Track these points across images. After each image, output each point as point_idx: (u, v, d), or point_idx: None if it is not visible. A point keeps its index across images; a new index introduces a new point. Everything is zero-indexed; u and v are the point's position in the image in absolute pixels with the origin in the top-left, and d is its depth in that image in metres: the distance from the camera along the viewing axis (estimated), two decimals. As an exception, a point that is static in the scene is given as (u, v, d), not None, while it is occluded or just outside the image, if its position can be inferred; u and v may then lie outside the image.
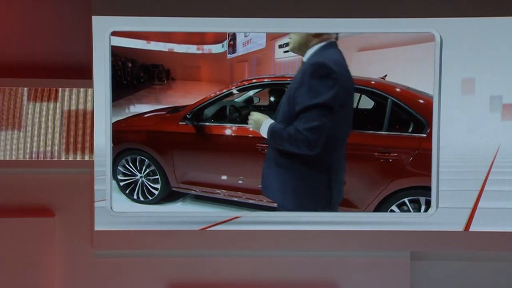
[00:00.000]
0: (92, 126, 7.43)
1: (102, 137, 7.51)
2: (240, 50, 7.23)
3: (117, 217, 7.64)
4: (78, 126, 7.51)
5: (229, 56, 6.82)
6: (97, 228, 7.65)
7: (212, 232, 7.74)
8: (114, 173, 6.33)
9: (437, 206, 7.62)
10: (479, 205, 7.64)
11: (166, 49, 6.90)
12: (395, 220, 7.67)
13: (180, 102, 6.36)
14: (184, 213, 7.70)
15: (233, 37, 6.60)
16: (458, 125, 7.54)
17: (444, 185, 7.63)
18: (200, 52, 7.33)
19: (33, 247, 7.54)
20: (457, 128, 7.55)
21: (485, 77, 7.19)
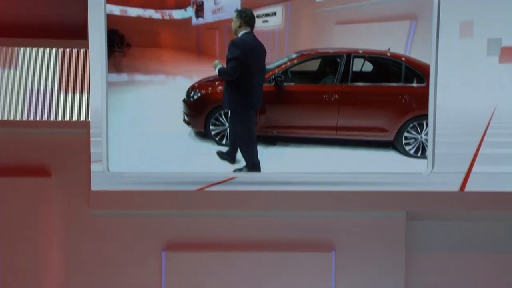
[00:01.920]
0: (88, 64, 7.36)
1: (98, 98, 7.50)
2: (209, 17, 7.09)
3: (113, 178, 7.66)
4: (74, 66, 7.44)
5: (194, 22, 6.90)
6: (93, 188, 7.67)
7: (209, 193, 7.75)
8: (207, 125, 7.52)
9: (433, 166, 7.65)
10: (475, 166, 7.68)
11: (118, 12, 6.85)
12: (390, 181, 7.70)
13: (138, 68, 7.36)
14: (180, 174, 7.71)
15: (200, 2, 6.79)
16: (454, 82, 7.56)
17: (440, 147, 7.68)
18: (159, 16, 7.18)
19: (30, 207, 7.56)
20: (454, 86, 7.56)
21: (484, 20, 7.18)
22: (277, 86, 7.01)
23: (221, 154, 7.44)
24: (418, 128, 6.98)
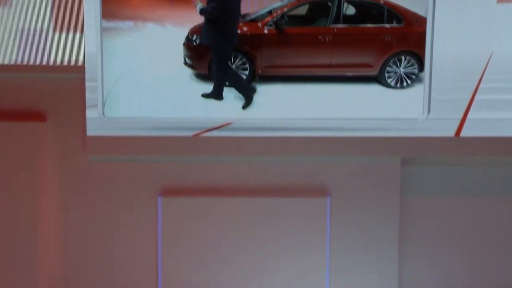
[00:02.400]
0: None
1: (93, 42, 7.44)
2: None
3: (109, 123, 7.63)
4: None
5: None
6: (89, 133, 7.62)
7: (204, 139, 7.71)
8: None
9: (428, 112, 7.65)
10: (470, 112, 7.69)
11: None
12: (386, 127, 7.71)
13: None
14: (176, 119, 7.68)
15: None
16: (451, 26, 7.52)
17: (436, 92, 7.66)
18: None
19: (25, 152, 7.54)
20: (450, 30, 7.53)
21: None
22: (277, 29, 7.56)
23: (206, 95, 7.65)
24: (398, 63, 7.65)
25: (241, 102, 7.82)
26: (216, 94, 7.69)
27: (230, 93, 7.74)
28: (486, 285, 8.09)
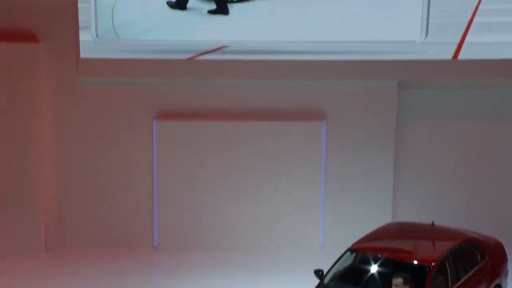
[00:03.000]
0: None
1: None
2: None
3: (103, 45, 7.53)
4: None
5: None
6: (83, 55, 7.55)
7: (200, 62, 7.65)
8: None
9: (426, 35, 7.57)
10: (468, 35, 7.61)
11: None
12: (384, 50, 7.62)
13: None
14: (171, 42, 7.58)
15: None
16: None
17: (434, 16, 7.58)
18: None
19: (18, 73, 7.47)
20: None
21: None
22: None
23: (212, 11, 7.50)
24: None
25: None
26: (222, 8, 7.48)
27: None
28: (480, 209, 8.13)
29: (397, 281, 5.43)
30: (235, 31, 7.57)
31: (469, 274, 6.34)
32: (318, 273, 6.19)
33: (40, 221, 7.73)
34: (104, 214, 7.90)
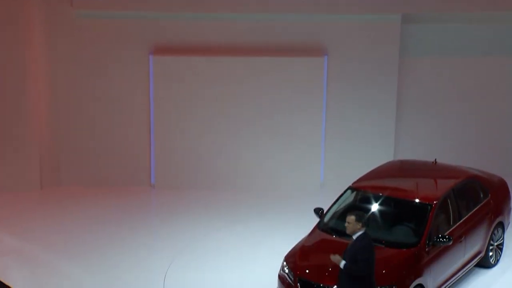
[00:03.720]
0: None
1: None
2: None
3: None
4: None
5: None
6: (76, -13, 7.42)
7: (197, -6, 7.53)
8: None
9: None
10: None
11: None
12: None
13: None
14: (167, -27, 7.39)
15: None
16: None
17: None
18: None
19: (12, 7, 7.26)
20: None
21: None
22: None
23: None
24: None
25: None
26: None
27: None
28: (484, 146, 8.05)
29: (350, 218, 5.30)
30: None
31: (472, 212, 6.32)
32: (318, 211, 6.16)
33: (34, 158, 7.67)
34: (100, 152, 7.82)
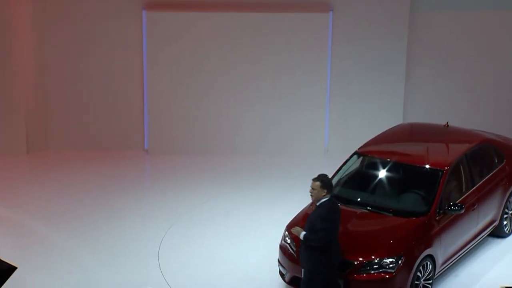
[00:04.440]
0: None
1: None
2: None
3: None
4: None
5: None
6: None
7: None
8: None
9: None
10: None
11: None
12: None
13: None
14: None
15: None
16: None
17: None
18: None
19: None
20: None
21: None
22: None
23: None
24: None
25: None
26: None
27: None
28: (500, 108, 7.76)
29: (315, 184, 5.14)
30: None
31: (485, 178, 6.09)
32: None
33: (20, 120, 7.42)
34: (89, 114, 7.56)
